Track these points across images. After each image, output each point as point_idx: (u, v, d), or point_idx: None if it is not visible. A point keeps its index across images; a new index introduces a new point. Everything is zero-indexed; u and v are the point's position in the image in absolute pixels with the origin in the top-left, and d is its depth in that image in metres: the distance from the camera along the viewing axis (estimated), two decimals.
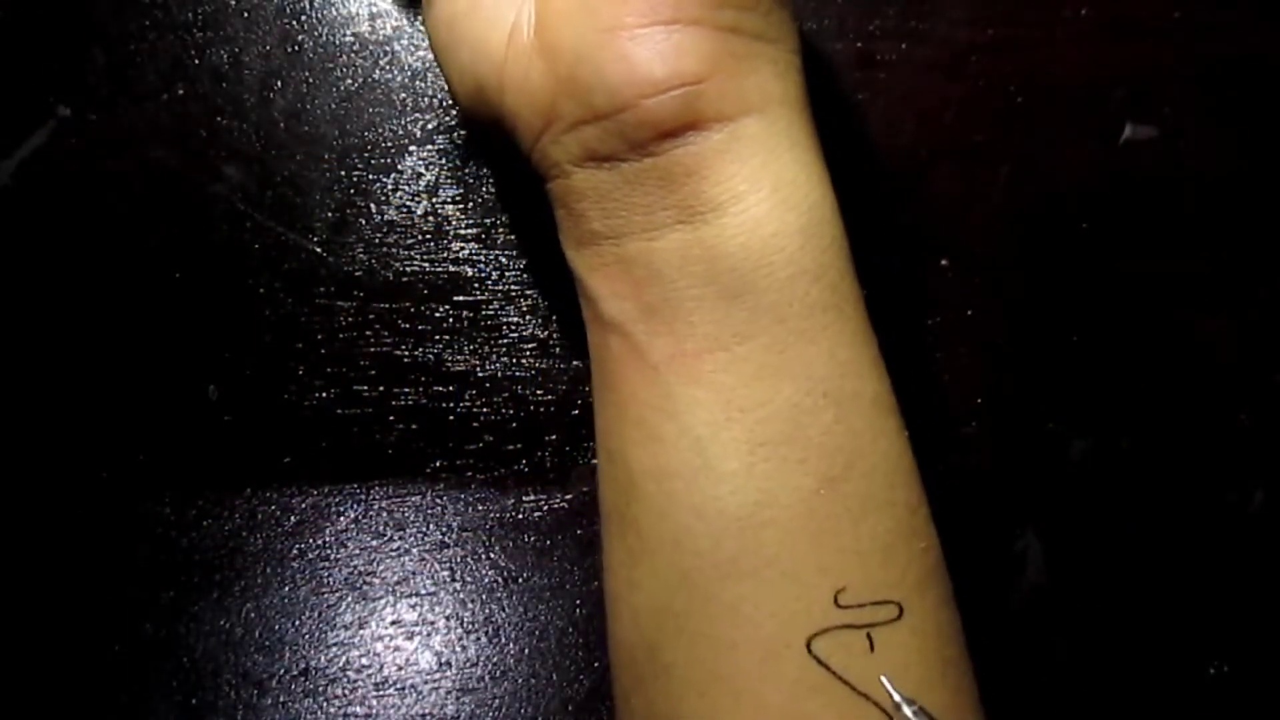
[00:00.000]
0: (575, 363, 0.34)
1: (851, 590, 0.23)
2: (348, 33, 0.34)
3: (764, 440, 0.23)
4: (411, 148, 0.34)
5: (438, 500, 0.34)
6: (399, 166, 0.34)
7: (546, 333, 0.34)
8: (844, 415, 0.23)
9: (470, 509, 0.34)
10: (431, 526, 0.34)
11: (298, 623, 0.34)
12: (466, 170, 0.34)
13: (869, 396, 0.24)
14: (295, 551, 0.34)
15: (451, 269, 0.34)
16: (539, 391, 0.34)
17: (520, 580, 0.34)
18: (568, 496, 0.34)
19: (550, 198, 0.26)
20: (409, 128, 0.34)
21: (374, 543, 0.34)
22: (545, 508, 0.34)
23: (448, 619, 0.34)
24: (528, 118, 0.24)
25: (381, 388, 0.34)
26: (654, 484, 0.24)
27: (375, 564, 0.34)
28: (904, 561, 0.24)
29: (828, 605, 0.23)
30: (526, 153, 0.25)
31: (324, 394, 0.34)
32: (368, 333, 0.34)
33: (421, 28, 0.34)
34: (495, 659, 0.34)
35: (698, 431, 0.23)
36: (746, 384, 0.23)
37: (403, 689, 0.34)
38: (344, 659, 0.34)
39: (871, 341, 0.25)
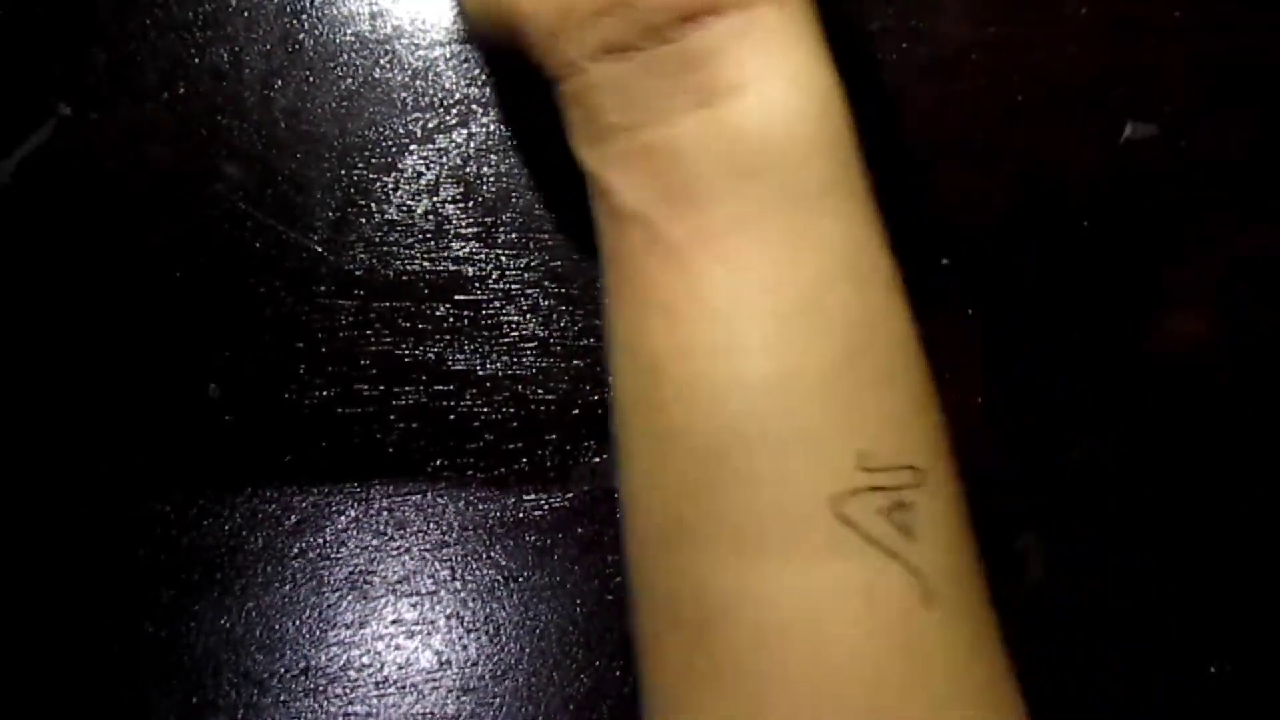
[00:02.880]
0: (575, 362, 0.34)
1: (875, 456, 0.23)
2: (348, 32, 0.34)
3: (788, 313, 0.23)
4: (412, 147, 0.34)
5: (438, 499, 0.34)
6: (399, 165, 0.34)
7: (546, 332, 0.34)
8: (862, 289, 0.24)
9: (470, 508, 0.34)
10: (431, 526, 0.34)
11: (298, 622, 0.34)
12: (466, 169, 0.34)
13: (884, 274, 0.25)
14: (295, 550, 0.34)
15: (452, 268, 0.34)
16: (539, 391, 0.34)
17: (520, 579, 0.34)
18: (568, 496, 0.34)
19: (562, 100, 0.26)
20: (409, 127, 0.34)
21: (374, 542, 0.34)
22: (545, 507, 0.34)
23: (448, 618, 0.34)
24: (543, 15, 0.24)
25: (382, 387, 0.34)
26: (681, 365, 0.24)
27: (375, 563, 0.34)
28: (921, 431, 0.25)
29: (854, 470, 0.23)
30: (539, 56, 0.25)
31: (324, 393, 0.34)
32: (368, 332, 0.34)
33: (422, 27, 0.34)
34: (495, 658, 0.34)
35: (722, 308, 0.24)
36: (769, 260, 0.24)
37: (403, 688, 0.34)
38: (344, 658, 0.34)
39: (882, 226, 0.25)
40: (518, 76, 0.34)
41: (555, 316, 0.34)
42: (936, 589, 0.23)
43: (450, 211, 0.34)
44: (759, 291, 0.24)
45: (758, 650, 0.23)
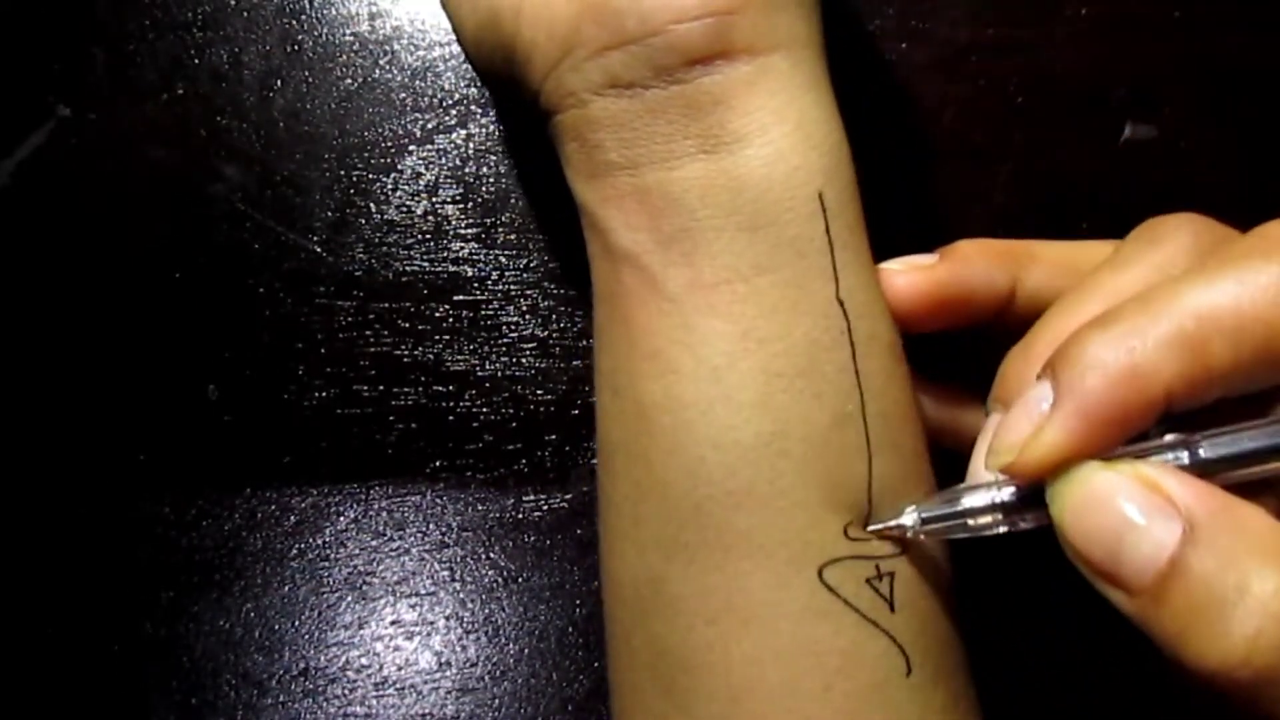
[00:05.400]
0: (575, 363, 0.34)
1: (859, 524, 0.23)
2: (347, 32, 0.34)
3: (781, 372, 0.23)
4: (411, 147, 0.34)
5: (437, 500, 0.34)
6: (399, 166, 0.34)
7: (546, 332, 0.34)
8: (859, 354, 0.24)
9: (470, 509, 0.34)
10: (431, 526, 0.34)
11: (297, 622, 0.34)
12: (466, 170, 0.34)
13: (883, 340, 0.24)
14: (295, 551, 0.34)
15: (451, 269, 0.34)
16: (539, 391, 0.34)
17: (520, 580, 0.34)
18: (568, 496, 0.34)
19: (558, 131, 0.25)
20: (409, 127, 0.34)
21: (374, 542, 0.34)
22: (545, 508, 0.34)
23: (447, 619, 0.34)
24: (545, 46, 0.24)
25: (381, 387, 0.34)
26: (668, 416, 0.24)
27: (375, 564, 0.34)
28: (909, 499, 0.24)
29: (838, 536, 0.23)
30: (537, 85, 0.25)
31: (324, 394, 0.34)
32: (367, 332, 0.34)
33: (421, 27, 0.34)
34: (495, 659, 0.34)
35: (715, 362, 0.23)
36: (765, 316, 0.23)
37: (402, 689, 0.34)
38: (344, 659, 0.34)
39: (881, 289, 0.25)
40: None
41: (554, 317, 0.34)
42: (914, 659, 0.23)
43: (449, 212, 0.34)
44: (754, 348, 0.23)
45: (733, 708, 0.23)
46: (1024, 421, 0.21)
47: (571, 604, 0.34)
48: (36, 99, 0.34)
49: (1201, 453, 0.20)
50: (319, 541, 0.34)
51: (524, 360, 0.34)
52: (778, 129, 0.23)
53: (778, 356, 0.23)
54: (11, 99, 0.34)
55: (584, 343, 0.34)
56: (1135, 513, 0.19)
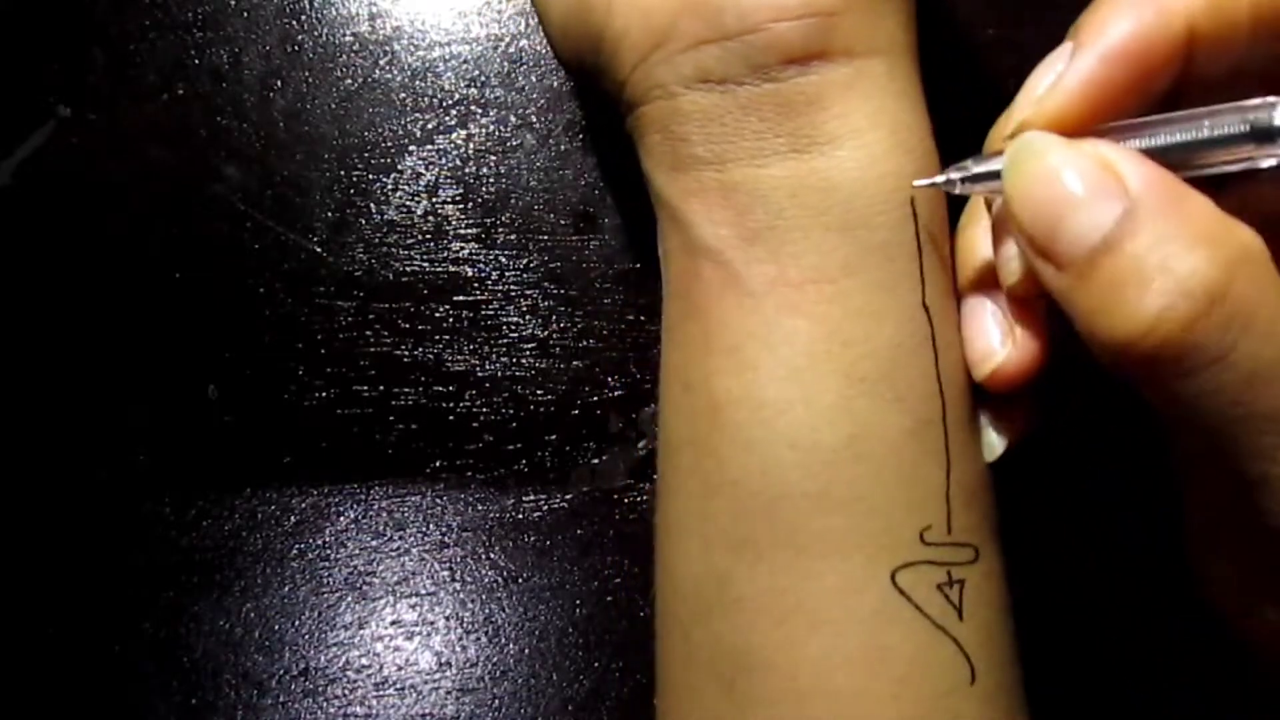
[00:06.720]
0: (575, 363, 0.34)
1: (935, 530, 0.23)
2: (348, 33, 0.34)
3: (864, 376, 0.23)
4: (411, 148, 0.34)
5: (438, 500, 0.34)
6: (399, 166, 0.34)
7: (546, 333, 0.34)
8: (941, 360, 0.24)
9: (470, 509, 0.34)
10: (431, 526, 0.34)
11: (297, 623, 0.34)
12: (466, 170, 0.34)
13: (961, 348, 0.24)
14: (295, 551, 0.34)
15: (451, 269, 0.34)
16: (539, 391, 0.34)
17: (520, 580, 0.34)
18: (568, 496, 0.34)
19: (642, 123, 0.25)
20: (409, 128, 0.34)
21: (374, 543, 0.34)
22: (545, 508, 0.34)
23: (447, 619, 0.34)
24: (637, 36, 0.24)
25: (381, 388, 0.34)
26: (745, 413, 0.24)
27: (375, 564, 0.34)
28: (982, 510, 0.24)
29: (913, 541, 0.23)
30: (624, 75, 0.25)
31: (324, 394, 0.34)
32: (367, 333, 0.34)
33: (421, 27, 0.34)
34: (495, 659, 0.34)
35: (796, 362, 0.23)
36: (849, 318, 0.23)
37: (402, 689, 0.34)
38: (344, 659, 0.34)
39: None
40: (516, 78, 0.34)
41: (555, 317, 0.34)
42: (979, 668, 0.23)
43: (449, 212, 0.34)
44: (837, 350, 0.23)
45: (797, 712, 0.23)
46: (1044, 76, 0.21)
47: (571, 604, 0.34)
48: (36, 99, 0.34)
49: (1162, 137, 0.20)
50: (319, 541, 0.34)
51: (524, 360, 0.34)
52: (872, 133, 0.23)
53: (861, 360, 0.23)
54: (11, 99, 0.34)
55: (584, 343, 0.34)
56: (1080, 188, 0.19)
